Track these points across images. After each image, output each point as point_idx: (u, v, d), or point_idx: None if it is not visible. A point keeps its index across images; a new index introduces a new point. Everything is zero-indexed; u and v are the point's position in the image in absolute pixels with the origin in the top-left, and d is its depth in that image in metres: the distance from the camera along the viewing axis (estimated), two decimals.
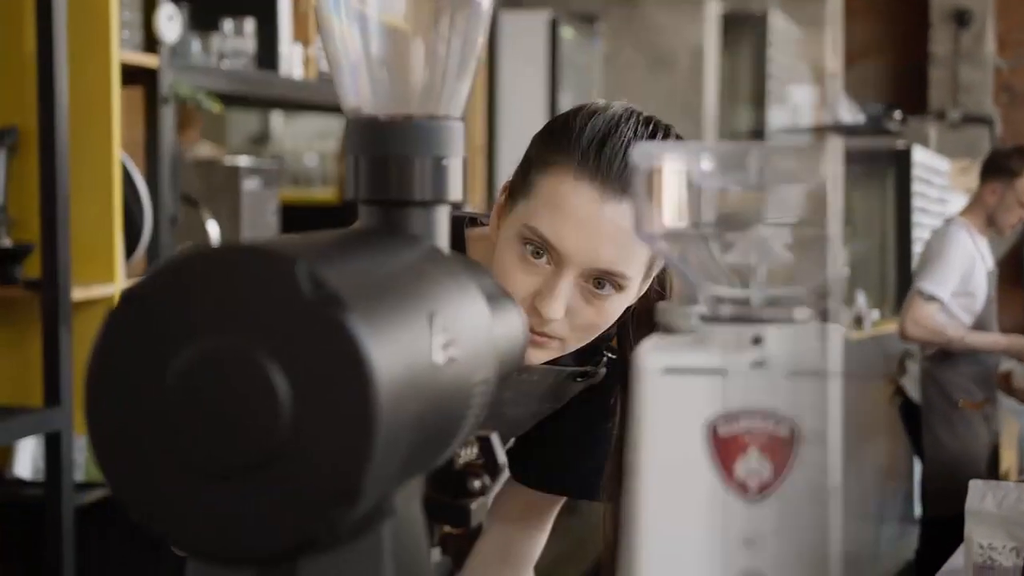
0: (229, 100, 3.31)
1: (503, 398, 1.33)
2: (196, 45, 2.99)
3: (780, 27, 7.41)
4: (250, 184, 3.15)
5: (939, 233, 4.42)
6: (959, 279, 4.25)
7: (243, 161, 3.25)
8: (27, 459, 2.71)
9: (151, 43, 2.68)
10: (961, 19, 9.09)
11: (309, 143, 5.73)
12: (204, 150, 4.28)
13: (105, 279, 2.54)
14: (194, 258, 0.63)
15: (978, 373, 4.37)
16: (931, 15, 9.22)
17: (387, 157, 0.80)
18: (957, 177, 8.05)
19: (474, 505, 0.84)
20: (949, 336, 4.24)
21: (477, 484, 0.85)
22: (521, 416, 1.44)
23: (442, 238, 0.81)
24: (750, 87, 7.28)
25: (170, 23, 2.66)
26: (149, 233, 2.65)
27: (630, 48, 5.53)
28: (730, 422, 0.68)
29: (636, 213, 0.71)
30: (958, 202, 8.34)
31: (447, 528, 0.91)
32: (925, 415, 4.33)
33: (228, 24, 3.07)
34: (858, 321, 5.89)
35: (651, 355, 0.70)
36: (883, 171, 6.89)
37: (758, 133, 7.32)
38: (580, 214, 1.22)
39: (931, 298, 4.18)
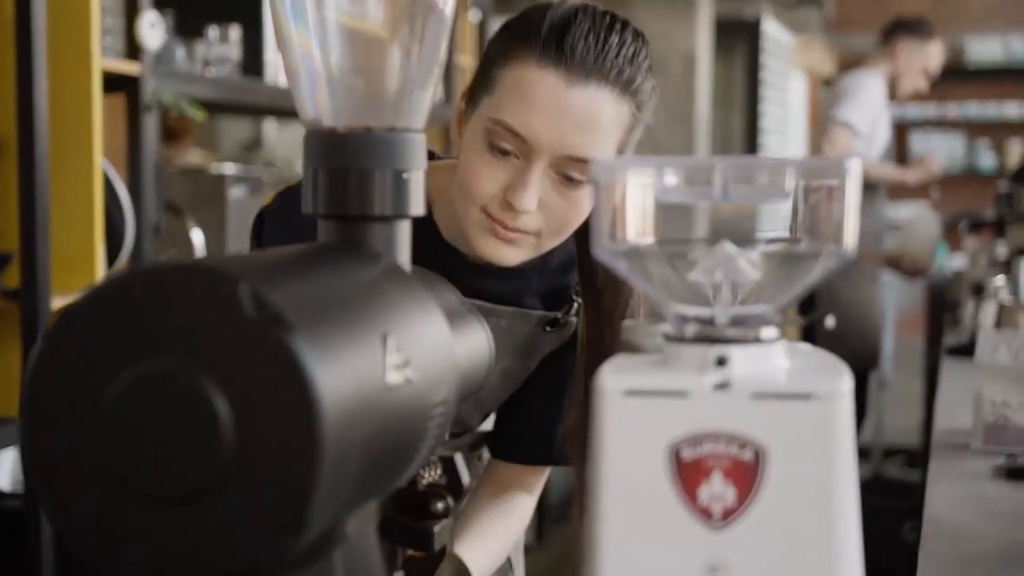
0: (214, 108, 3.28)
1: None
2: (181, 52, 2.96)
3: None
4: (236, 192, 3.12)
5: (852, 75, 4.52)
6: (871, 116, 4.37)
7: (229, 169, 3.23)
8: (7, 470, 2.69)
9: (134, 50, 2.66)
10: None
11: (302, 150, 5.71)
12: (194, 157, 4.26)
13: (86, 288, 2.51)
14: (134, 276, 0.60)
15: (872, 229, 4.50)
16: None
17: (346, 170, 0.78)
18: (801, 54, 8.20)
19: (437, 528, 0.82)
20: (866, 167, 4.37)
21: (440, 506, 0.83)
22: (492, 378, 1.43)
23: (403, 253, 0.79)
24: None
25: (153, 30, 2.64)
26: (131, 241, 2.63)
27: None
28: (693, 446, 0.66)
29: (595, 229, 0.69)
30: (797, 78, 8.51)
31: (410, 551, 0.89)
32: None
33: (213, 31, 3.04)
34: None
35: (612, 376, 0.67)
36: (732, 42, 6.97)
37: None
38: (546, 101, 1.21)
39: (846, 125, 4.29)
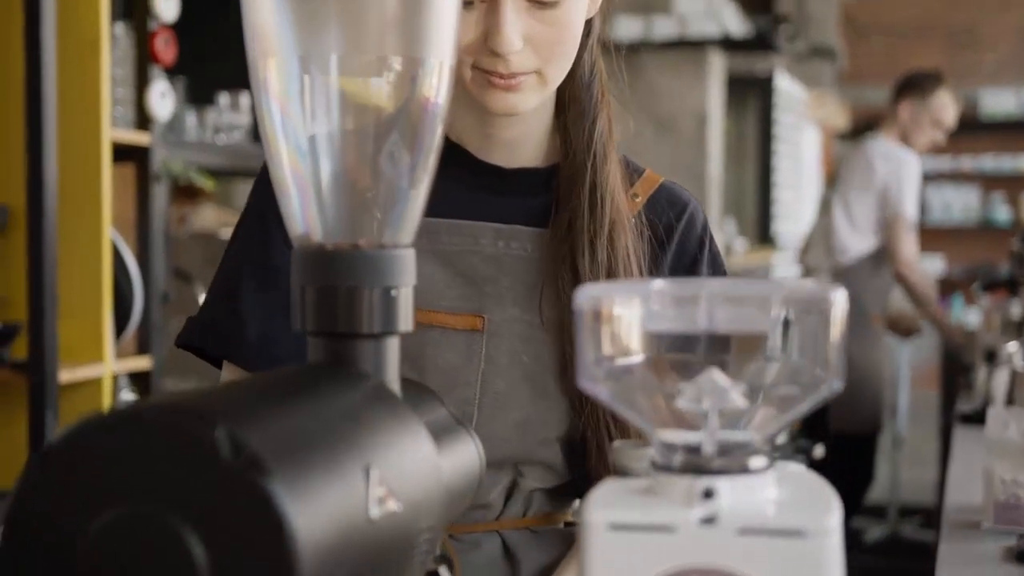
0: (225, 173, 3.30)
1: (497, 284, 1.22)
2: (192, 119, 2.98)
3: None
4: None
5: (883, 153, 4.45)
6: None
7: None
8: None
9: (144, 120, 2.67)
10: None
11: None
12: (208, 214, 4.27)
13: (94, 359, 2.51)
14: (112, 418, 0.60)
15: (885, 290, 4.49)
16: None
17: (334, 288, 0.77)
18: (814, 108, 8.21)
19: None
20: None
21: None
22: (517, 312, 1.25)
23: (391, 371, 0.79)
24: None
25: (163, 100, 2.65)
26: (139, 311, 2.63)
27: (633, 112, 5.50)
28: None
29: (580, 356, 0.69)
30: (811, 132, 8.54)
31: None
32: None
33: (224, 98, 3.06)
34: (727, 249, 5.91)
35: (598, 509, 0.66)
36: (745, 96, 6.98)
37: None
38: None
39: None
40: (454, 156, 1.28)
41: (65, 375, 2.41)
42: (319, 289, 0.78)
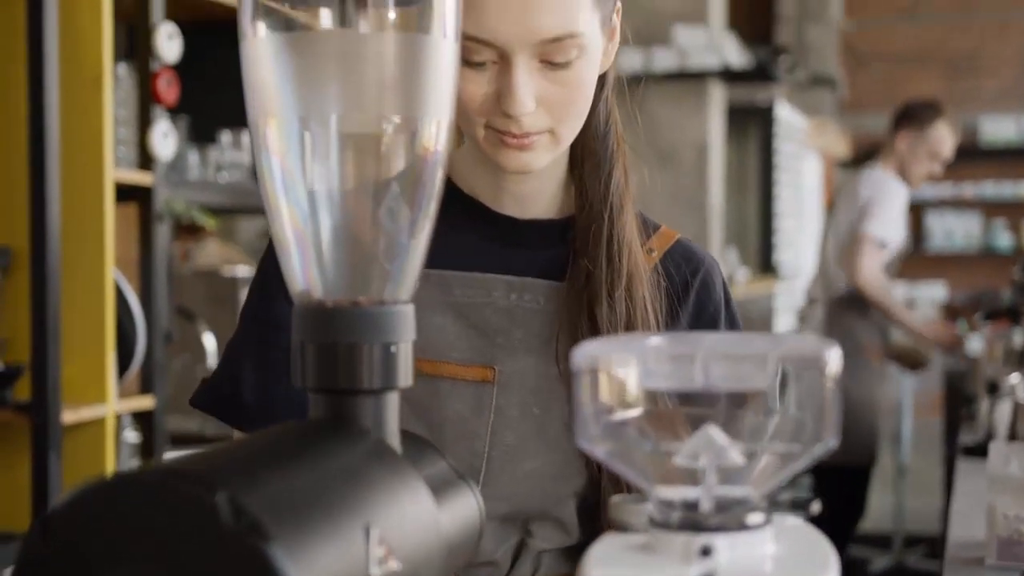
0: (227, 211, 3.31)
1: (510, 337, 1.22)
2: (194, 157, 2.99)
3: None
4: None
5: (871, 178, 4.47)
6: (897, 225, 4.38)
7: (242, 271, 3.25)
8: None
9: (146, 160, 2.69)
10: None
11: None
12: (211, 249, 4.29)
13: (97, 400, 2.51)
14: (113, 483, 0.60)
15: (882, 325, 4.47)
16: None
17: (335, 345, 0.78)
18: (814, 137, 8.23)
19: None
20: (890, 304, 4.32)
21: None
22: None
23: (391, 426, 0.79)
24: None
25: (165, 140, 2.67)
26: (142, 351, 2.64)
27: (633, 143, 5.52)
28: None
29: (577, 414, 0.69)
30: (812, 160, 8.56)
31: None
32: None
33: (226, 136, 3.08)
34: (730, 280, 5.91)
35: (596, 566, 0.67)
36: (746, 126, 7.00)
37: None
38: None
39: (875, 241, 4.28)
40: (468, 208, 1.28)
41: (68, 416, 2.42)
42: (319, 346, 0.78)
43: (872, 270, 4.30)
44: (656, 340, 0.71)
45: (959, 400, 4.55)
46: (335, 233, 0.80)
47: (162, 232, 2.70)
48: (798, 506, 3.41)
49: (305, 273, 0.80)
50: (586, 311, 1.21)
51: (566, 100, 1.16)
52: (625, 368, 0.69)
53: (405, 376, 0.80)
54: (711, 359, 0.68)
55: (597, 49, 1.18)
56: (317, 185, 0.80)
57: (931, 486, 5.92)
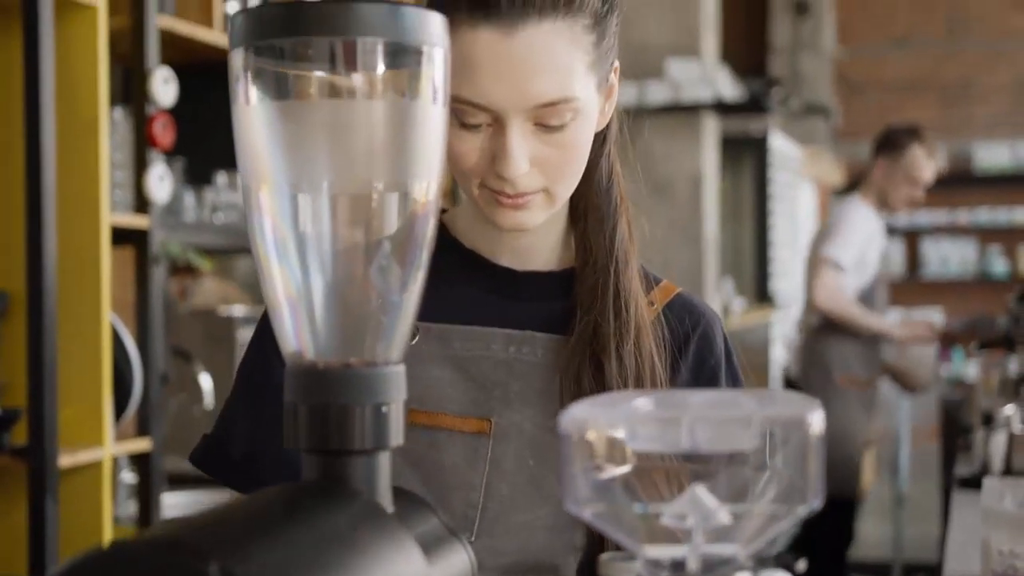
0: (224, 252, 3.32)
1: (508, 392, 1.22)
2: (190, 198, 3.01)
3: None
4: (246, 334, 3.15)
5: (842, 204, 4.53)
6: (858, 250, 4.33)
7: (238, 311, 3.26)
8: None
9: (142, 203, 2.70)
10: (800, 9, 9.31)
11: None
12: (209, 287, 4.29)
13: (94, 443, 2.52)
14: (106, 555, 0.61)
15: (862, 352, 4.41)
16: (770, 4, 9.49)
17: (326, 406, 0.79)
18: (809, 165, 8.26)
19: None
20: (854, 314, 4.30)
21: None
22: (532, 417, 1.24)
23: (383, 485, 0.80)
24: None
25: (161, 183, 2.68)
26: (139, 394, 2.64)
27: (629, 178, 5.55)
28: None
29: (565, 476, 0.70)
30: (807, 189, 8.58)
31: None
32: (803, 390, 4.33)
33: (221, 177, 3.09)
34: (726, 310, 5.90)
35: None
36: (740, 156, 7.02)
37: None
38: (489, 59, 1.12)
39: (830, 262, 4.27)
40: (468, 261, 1.29)
41: (65, 459, 2.42)
42: (311, 407, 0.79)
43: (828, 289, 4.30)
44: (643, 402, 0.72)
45: (956, 429, 4.55)
46: (327, 295, 0.81)
47: (158, 275, 2.71)
48: (784, 563, 3.42)
49: (297, 334, 0.82)
50: (592, 366, 1.21)
51: (560, 161, 1.16)
52: (613, 431, 0.70)
53: (396, 435, 0.81)
54: (697, 421, 0.69)
55: (593, 110, 1.19)
56: (309, 248, 0.81)
57: (929, 514, 5.91)
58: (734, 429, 0.69)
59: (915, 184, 4.47)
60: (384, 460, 0.81)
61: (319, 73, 0.80)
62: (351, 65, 0.78)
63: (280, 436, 1.00)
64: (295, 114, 0.80)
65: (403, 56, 0.79)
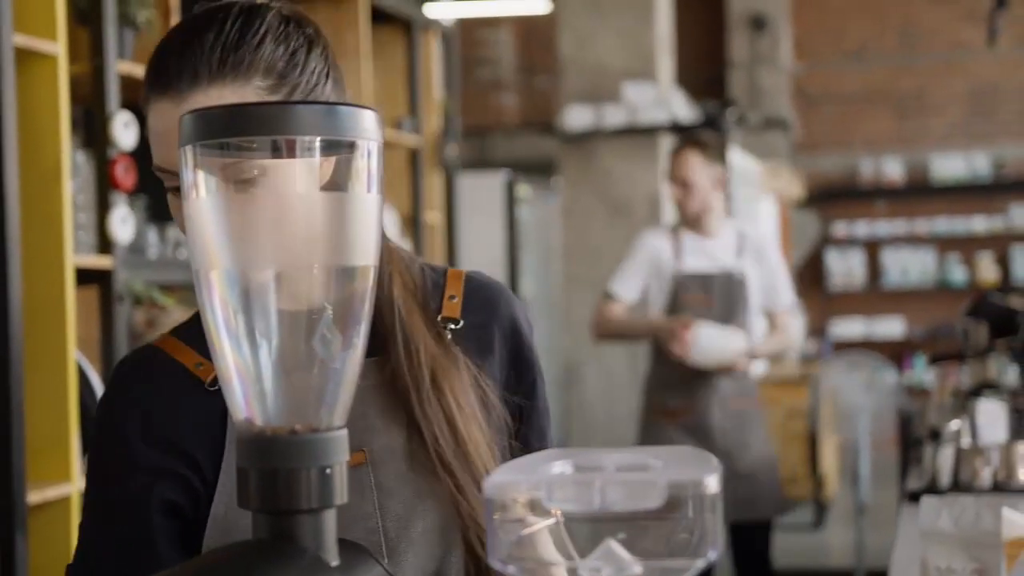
0: (187, 288, 3.38)
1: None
2: (153, 235, 3.07)
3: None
4: None
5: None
6: (643, 279, 4.15)
7: None
8: None
9: (105, 243, 2.76)
10: (757, 25, 9.45)
11: None
12: (176, 317, 4.34)
13: (62, 479, 2.58)
14: None
15: (671, 378, 4.15)
16: (727, 20, 9.64)
17: (275, 470, 0.86)
18: (769, 179, 8.34)
19: None
20: (618, 326, 4.15)
21: None
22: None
23: (329, 540, 0.87)
24: None
25: (124, 224, 2.75)
26: None
27: (587, 198, 5.66)
28: None
29: (490, 537, 0.78)
30: (768, 201, 8.69)
31: None
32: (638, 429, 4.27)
33: None
34: None
35: None
36: None
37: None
38: (167, 127, 1.18)
39: (608, 296, 4.15)
40: None
41: (33, 496, 2.48)
42: (261, 471, 0.87)
43: (598, 318, 4.16)
44: (559, 467, 0.80)
45: (910, 440, 4.63)
46: (273, 368, 0.88)
47: (122, 313, 2.77)
48: None
49: (247, 403, 0.89)
50: (409, 408, 1.27)
51: (274, 218, 1.18)
52: (531, 494, 0.78)
53: (341, 494, 0.88)
54: (608, 484, 0.77)
55: (294, 170, 1.21)
56: (256, 324, 0.88)
57: (891, 522, 6.00)
58: (642, 490, 0.77)
59: (673, 181, 4.17)
60: (330, 517, 0.88)
61: (262, 167, 0.87)
62: (291, 161, 0.86)
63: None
64: (240, 205, 0.87)
65: (339, 150, 0.87)
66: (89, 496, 1.29)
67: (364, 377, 1.28)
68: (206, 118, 0.86)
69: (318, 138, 0.86)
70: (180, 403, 1.27)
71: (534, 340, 1.39)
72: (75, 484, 2.60)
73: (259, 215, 0.87)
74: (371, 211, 0.89)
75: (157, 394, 1.28)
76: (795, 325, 4.65)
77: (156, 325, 3.77)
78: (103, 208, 2.74)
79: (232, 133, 0.85)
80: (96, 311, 2.76)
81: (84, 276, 2.70)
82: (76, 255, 2.63)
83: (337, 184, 0.88)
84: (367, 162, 0.88)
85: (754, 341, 4.20)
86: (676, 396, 4.14)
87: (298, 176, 0.89)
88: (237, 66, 1.19)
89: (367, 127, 0.88)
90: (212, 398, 1.25)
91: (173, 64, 1.19)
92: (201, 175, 0.87)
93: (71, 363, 2.57)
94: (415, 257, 1.36)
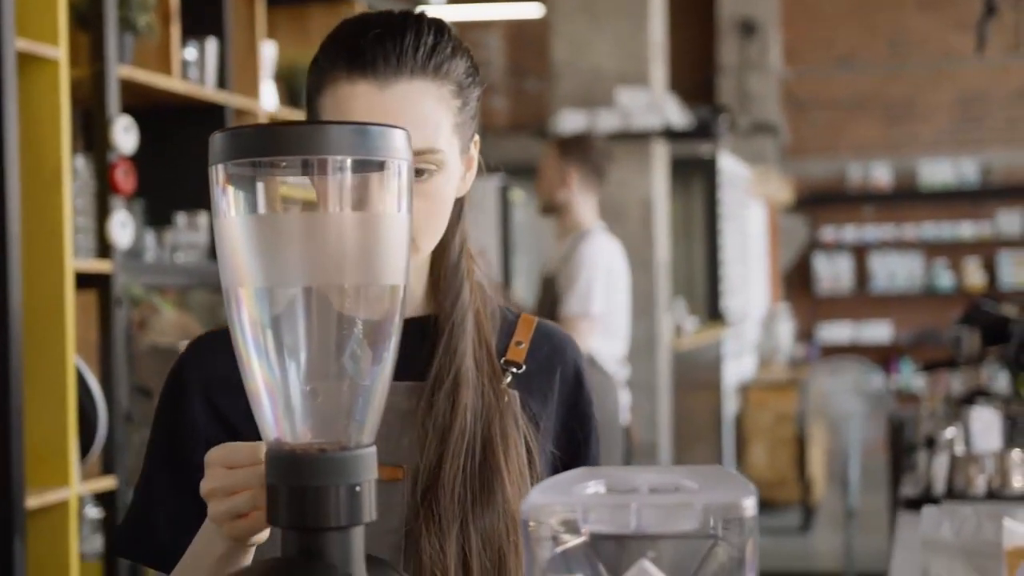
0: (185, 290, 3.38)
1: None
2: (151, 239, 3.07)
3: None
4: None
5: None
6: (603, 292, 3.93)
7: None
8: None
9: (105, 247, 2.76)
10: (747, 30, 9.47)
11: None
12: (168, 318, 4.32)
13: (61, 483, 2.57)
14: None
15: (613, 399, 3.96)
16: (718, 25, 9.67)
17: (304, 488, 0.87)
18: (758, 184, 8.36)
19: None
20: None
21: None
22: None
23: (356, 557, 0.88)
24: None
25: (123, 229, 2.74)
26: (104, 432, 2.70)
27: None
28: None
29: (526, 556, 0.78)
30: (757, 205, 8.70)
31: None
32: None
33: (181, 218, 3.15)
34: (678, 330, 5.95)
35: None
36: (690, 178, 7.14)
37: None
38: (365, 109, 1.21)
39: (579, 315, 3.86)
40: None
41: (32, 500, 2.47)
42: (290, 489, 0.87)
43: (583, 340, 3.82)
44: (592, 487, 0.80)
45: (902, 445, 4.63)
46: (303, 386, 0.88)
47: (120, 317, 2.77)
48: None
49: (276, 423, 0.89)
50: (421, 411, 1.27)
51: (424, 212, 1.22)
52: (568, 515, 0.78)
53: (369, 511, 0.89)
54: (644, 507, 0.77)
55: (456, 171, 1.26)
56: (285, 342, 0.88)
57: (880, 526, 6.03)
58: (677, 512, 0.77)
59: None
60: (358, 535, 0.88)
61: (292, 188, 0.88)
62: (322, 180, 0.86)
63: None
64: (271, 224, 0.87)
65: (369, 170, 0.87)
66: (154, 454, 1.29)
67: (409, 399, 1.27)
68: (238, 137, 0.86)
69: (349, 158, 0.86)
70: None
71: (594, 395, 1.39)
72: (74, 489, 2.59)
73: (288, 234, 0.88)
74: (400, 229, 0.89)
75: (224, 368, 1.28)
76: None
77: (147, 326, 3.77)
78: (103, 212, 2.74)
79: (264, 153, 0.86)
80: (95, 315, 2.75)
81: (83, 280, 2.70)
82: (75, 259, 2.63)
83: (367, 203, 0.88)
84: (397, 181, 0.88)
85: None
86: None
87: (328, 194, 0.88)
88: (438, 68, 1.24)
89: (397, 146, 0.88)
90: None
91: (371, 50, 1.21)
92: (231, 193, 0.87)
93: (71, 367, 2.56)
94: (492, 296, 1.37)
